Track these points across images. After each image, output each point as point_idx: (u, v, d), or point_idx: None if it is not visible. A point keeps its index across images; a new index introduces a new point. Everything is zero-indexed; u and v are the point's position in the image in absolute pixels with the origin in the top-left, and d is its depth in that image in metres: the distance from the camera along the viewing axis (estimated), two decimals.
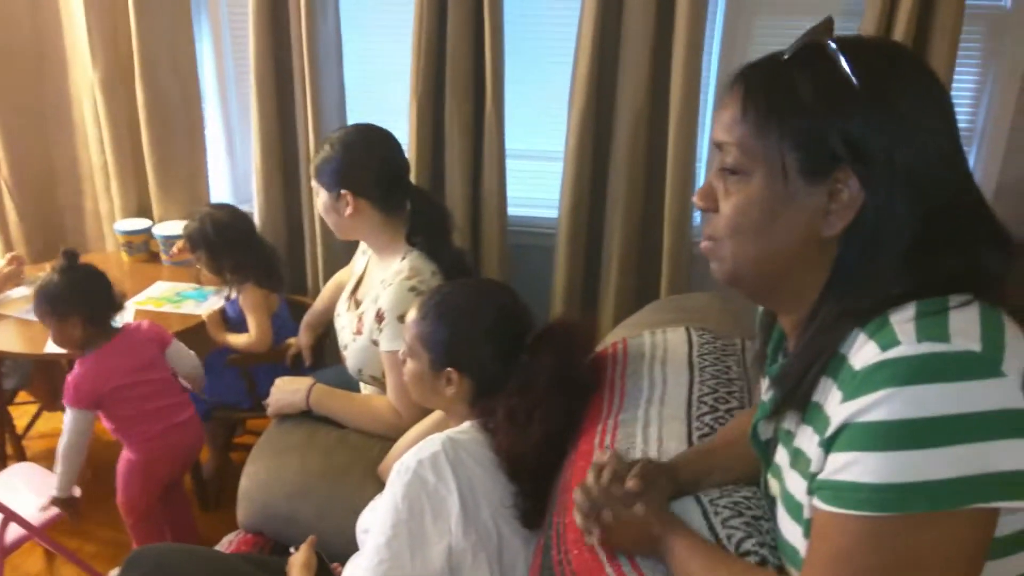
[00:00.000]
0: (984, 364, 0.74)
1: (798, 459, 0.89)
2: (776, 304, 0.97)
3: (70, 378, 2.13)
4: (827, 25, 0.87)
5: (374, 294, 1.95)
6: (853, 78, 0.82)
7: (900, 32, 2.32)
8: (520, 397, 1.38)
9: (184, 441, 2.32)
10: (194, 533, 2.50)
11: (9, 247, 3.21)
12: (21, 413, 3.10)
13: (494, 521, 1.31)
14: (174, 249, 2.81)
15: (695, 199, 0.94)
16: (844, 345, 0.83)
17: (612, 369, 1.56)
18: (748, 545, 0.99)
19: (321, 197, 1.98)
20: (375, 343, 1.91)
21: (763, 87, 0.87)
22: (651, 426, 1.32)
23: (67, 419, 2.14)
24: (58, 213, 3.26)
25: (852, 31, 2.48)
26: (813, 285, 0.89)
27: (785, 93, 0.85)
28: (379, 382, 1.97)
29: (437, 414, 1.71)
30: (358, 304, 2.07)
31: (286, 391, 2.03)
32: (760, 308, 1.10)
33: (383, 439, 1.89)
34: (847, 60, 0.83)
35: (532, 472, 1.36)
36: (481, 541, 1.29)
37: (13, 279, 2.75)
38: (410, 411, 1.84)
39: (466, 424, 1.43)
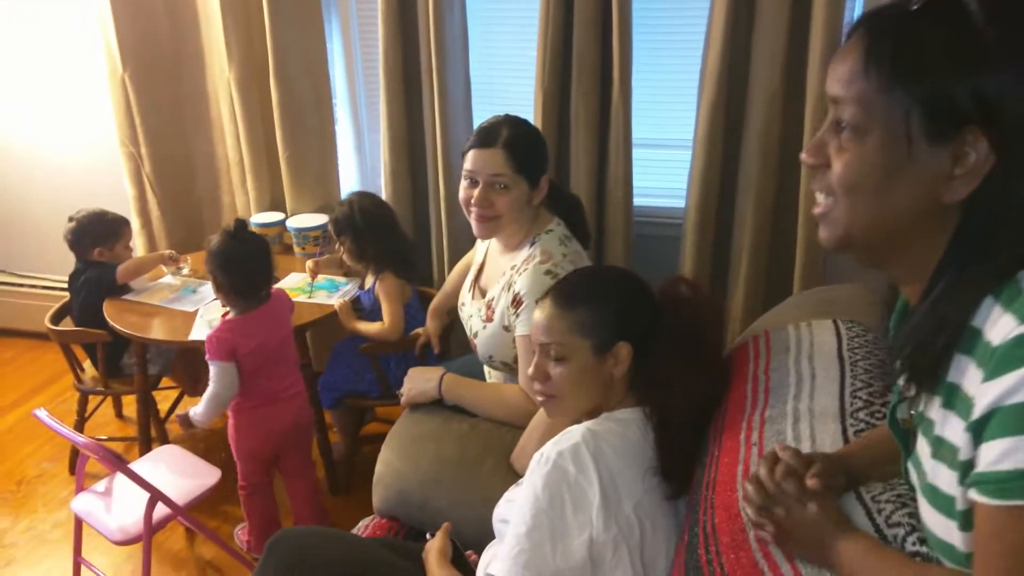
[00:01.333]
0: None
1: (941, 448, 0.84)
2: (891, 271, 0.92)
3: (212, 333, 2.26)
4: None
5: (504, 281, 1.96)
6: (989, 32, 0.76)
7: None
8: (679, 350, 1.39)
9: (275, 421, 2.39)
10: (319, 515, 2.59)
11: (152, 240, 3.38)
12: (163, 398, 3.27)
13: (636, 515, 1.29)
14: (307, 276, 2.87)
15: (803, 155, 0.90)
16: (977, 317, 0.78)
17: (755, 363, 1.50)
18: (910, 543, 0.93)
19: (516, 191, 1.92)
20: (506, 329, 1.92)
21: (888, 41, 0.81)
22: (801, 422, 1.26)
23: (212, 372, 2.27)
24: (197, 207, 3.41)
25: None
26: (931, 253, 0.83)
27: (913, 49, 0.79)
28: (510, 368, 1.98)
29: None
30: (483, 292, 2.09)
31: (419, 380, 2.06)
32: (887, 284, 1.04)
33: (514, 428, 1.89)
34: (983, 12, 0.77)
35: (679, 437, 1.36)
36: (622, 534, 1.27)
37: (167, 263, 2.91)
38: None
39: (603, 416, 1.42)
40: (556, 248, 1.92)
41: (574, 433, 1.33)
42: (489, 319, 1.99)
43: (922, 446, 0.90)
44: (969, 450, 0.77)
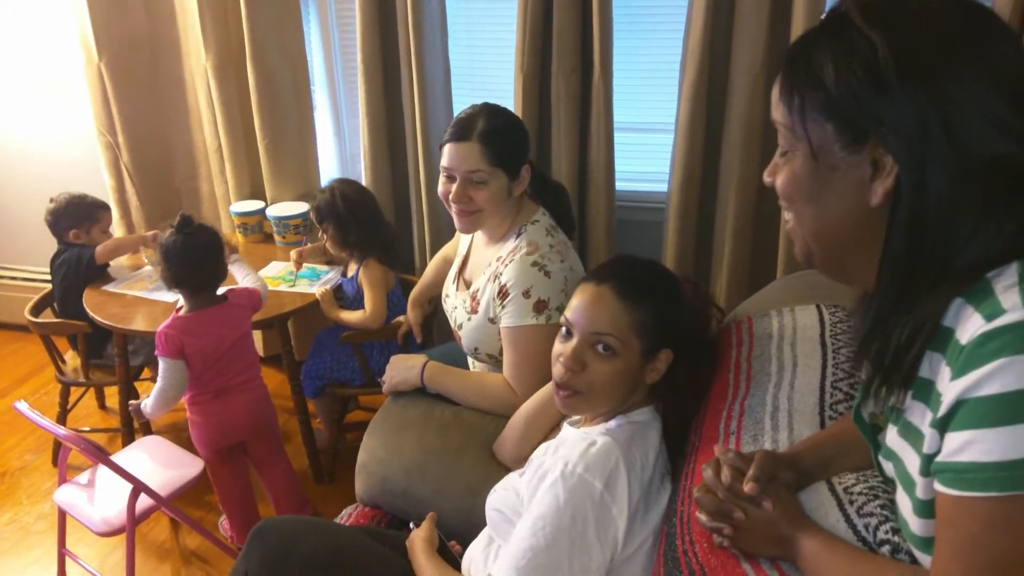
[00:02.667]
0: None
1: (908, 432, 0.86)
2: (852, 281, 0.95)
3: (161, 328, 2.23)
4: None
5: (490, 272, 1.94)
6: (879, 49, 0.79)
7: None
8: (697, 357, 1.40)
9: (230, 414, 2.37)
10: (298, 503, 2.58)
11: (131, 229, 3.35)
12: (145, 389, 3.24)
13: (658, 520, 1.29)
14: (290, 265, 2.85)
15: (764, 175, 0.96)
16: (947, 318, 0.80)
17: (737, 351, 1.50)
18: (882, 532, 0.94)
19: (494, 184, 1.87)
20: (492, 321, 1.91)
21: (792, 62, 0.87)
22: (780, 412, 1.26)
23: (160, 367, 2.25)
24: (175, 196, 3.38)
25: None
26: (876, 258, 0.86)
27: (806, 68, 0.84)
28: (496, 360, 1.97)
29: (545, 390, 1.69)
30: (468, 284, 2.07)
31: (401, 368, 2.04)
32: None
33: (498, 417, 1.89)
34: (875, 29, 0.80)
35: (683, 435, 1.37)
36: (645, 542, 1.28)
37: (149, 244, 2.89)
38: (525, 388, 1.84)
39: (617, 419, 1.38)
40: (543, 239, 1.89)
41: (602, 447, 1.28)
42: (474, 311, 1.97)
43: (892, 434, 0.92)
44: (934, 443, 0.79)
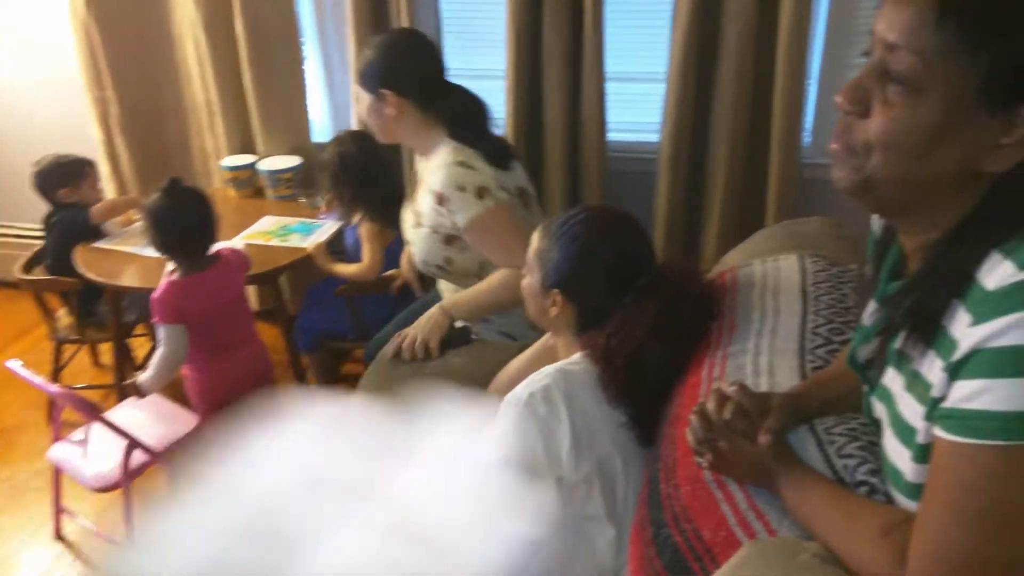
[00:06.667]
0: None
1: (915, 382, 0.84)
2: (903, 223, 0.89)
3: (156, 295, 2.20)
4: None
5: (426, 185, 1.97)
6: None
7: None
8: (618, 340, 1.34)
9: (230, 371, 2.35)
10: None
11: (122, 185, 3.32)
12: (139, 345, 3.25)
13: (608, 451, 1.30)
14: (283, 220, 2.84)
15: (839, 99, 0.82)
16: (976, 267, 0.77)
17: (720, 301, 1.50)
18: (860, 473, 0.95)
19: (364, 101, 2.01)
20: (435, 231, 1.95)
21: None
22: (762, 356, 1.27)
23: (162, 334, 2.23)
24: (166, 150, 3.34)
25: None
26: (954, 212, 0.81)
27: (1001, 11, 0.72)
28: (443, 270, 2.03)
29: (542, 341, 1.70)
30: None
31: (423, 325, 2.04)
32: (875, 228, 1.03)
33: (491, 364, 1.89)
34: None
35: (639, 402, 1.34)
36: (594, 471, 1.28)
37: (133, 206, 2.87)
38: (522, 263, 1.86)
39: (577, 355, 1.41)
40: (465, 147, 1.94)
41: (547, 373, 1.33)
42: (419, 224, 2.01)
43: (893, 378, 0.91)
44: (943, 388, 0.78)
